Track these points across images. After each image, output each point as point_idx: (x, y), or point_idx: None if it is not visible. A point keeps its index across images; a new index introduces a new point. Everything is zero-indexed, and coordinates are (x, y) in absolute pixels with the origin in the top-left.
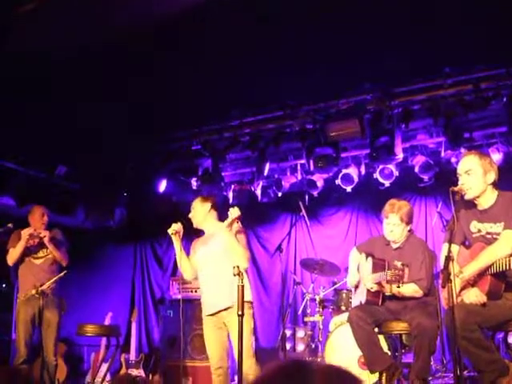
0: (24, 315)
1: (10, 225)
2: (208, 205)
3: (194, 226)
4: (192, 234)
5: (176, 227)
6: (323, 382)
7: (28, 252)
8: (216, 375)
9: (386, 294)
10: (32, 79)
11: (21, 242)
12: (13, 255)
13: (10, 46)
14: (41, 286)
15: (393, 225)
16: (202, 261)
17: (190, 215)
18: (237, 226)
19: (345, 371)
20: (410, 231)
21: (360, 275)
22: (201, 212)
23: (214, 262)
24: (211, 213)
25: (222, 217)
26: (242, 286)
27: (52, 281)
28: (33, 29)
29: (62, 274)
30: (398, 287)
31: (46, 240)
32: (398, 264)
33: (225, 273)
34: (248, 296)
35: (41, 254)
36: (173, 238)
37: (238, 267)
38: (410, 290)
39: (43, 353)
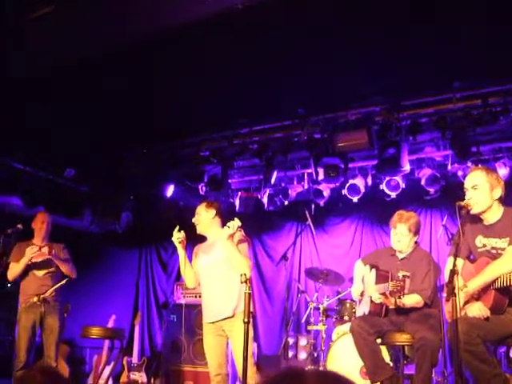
0: (25, 322)
1: (19, 225)
2: (213, 211)
3: (198, 232)
4: (195, 239)
5: (181, 235)
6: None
7: (31, 266)
8: (215, 382)
9: (390, 307)
10: (43, 81)
11: (23, 259)
12: (13, 271)
13: (23, 48)
14: (42, 294)
15: (400, 235)
16: (204, 270)
17: (194, 220)
18: (239, 234)
19: (340, 376)
20: (416, 243)
21: (364, 286)
22: (205, 218)
23: (215, 271)
24: (215, 219)
25: (227, 223)
26: (249, 294)
27: (54, 288)
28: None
29: (63, 281)
30: (400, 298)
31: (50, 257)
32: (400, 275)
33: (227, 282)
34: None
35: (44, 267)
36: (178, 246)
37: (245, 275)
38: (412, 300)
39: (44, 357)
